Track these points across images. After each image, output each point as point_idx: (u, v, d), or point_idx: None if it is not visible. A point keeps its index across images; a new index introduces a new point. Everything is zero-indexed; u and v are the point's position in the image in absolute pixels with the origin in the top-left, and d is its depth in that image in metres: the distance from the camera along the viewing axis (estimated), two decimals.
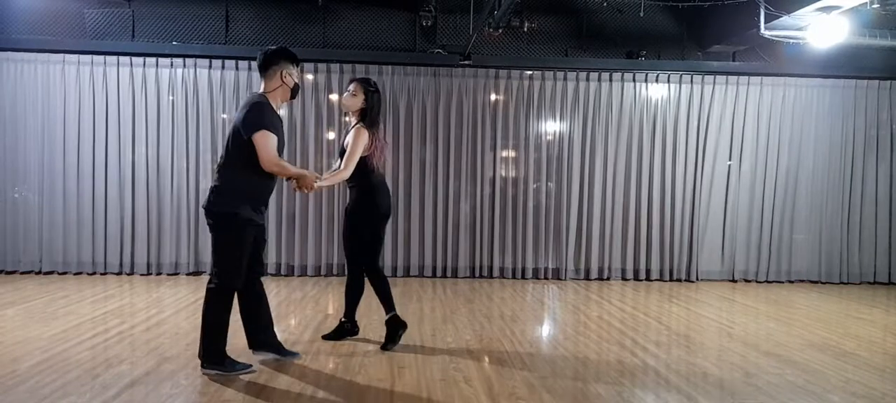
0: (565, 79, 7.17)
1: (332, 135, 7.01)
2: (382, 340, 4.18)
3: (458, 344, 4.27)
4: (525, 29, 5.76)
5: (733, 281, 7.32)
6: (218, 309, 3.49)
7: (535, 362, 3.91)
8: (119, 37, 6.71)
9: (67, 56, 6.71)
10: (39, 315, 4.87)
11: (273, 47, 3.60)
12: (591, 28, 7.22)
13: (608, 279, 7.22)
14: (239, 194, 3.44)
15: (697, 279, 7.27)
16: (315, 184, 3.67)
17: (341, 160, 4.03)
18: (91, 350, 3.96)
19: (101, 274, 6.79)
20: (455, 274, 7.10)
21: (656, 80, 7.26)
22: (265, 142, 3.38)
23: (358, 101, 4.01)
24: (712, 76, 7.25)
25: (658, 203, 7.27)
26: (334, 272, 7.00)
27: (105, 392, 3.20)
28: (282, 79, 3.56)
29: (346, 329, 4.34)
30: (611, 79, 7.21)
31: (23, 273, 6.72)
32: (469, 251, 7.13)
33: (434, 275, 7.08)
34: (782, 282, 7.34)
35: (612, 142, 7.21)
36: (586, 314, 5.43)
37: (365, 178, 4.04)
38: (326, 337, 4.32)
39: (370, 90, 4.03)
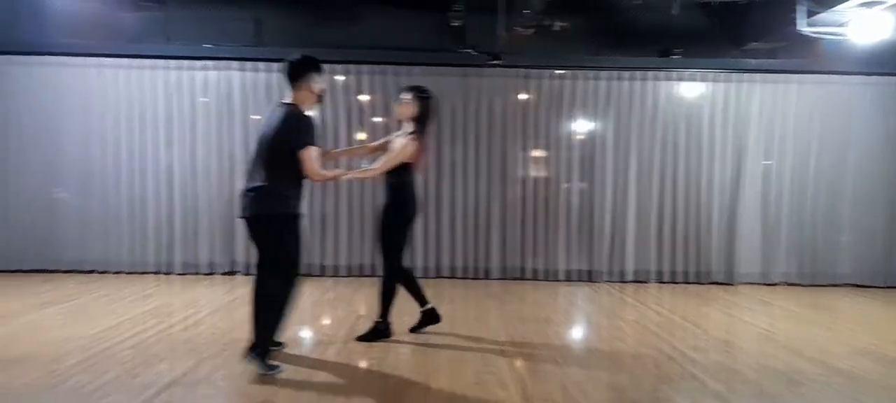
0: (596, 78, 7.07)
1: (361, 136, 7.02)
2: (416, 341, 4.17)
3: (492, 347, 4.23)
4: (556, 28, 5.69)
5: (773, 284, 7.13)
6: (282, 303, 3.62)
7: (570, 365, 3.86)
8: (153, 40, 6.83)
9: (104, 60, 6.84)
10: (80, 314, 4.98)
11: (298, 57, 3.71)
12: (622, 26, 7.10)
13: (644, 281, 7.10)
14: (291, 195, 3.62)
15: (736, 282, 7.11)
16: (344, 177, 4.03)
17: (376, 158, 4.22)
18: (131, 349, 4.02)
19: (140, 273, 6.91)
20: (487, 276, 7.06)
21: (691, 79, 7.12)
22: (312, 157, 3.55)
23: (411, 109, 4.18)
24: (749, 74, 7.08)
25: (694, 204, 7.12)
26: (365, 273, 7.01)
27: (145, 392, 3.25)
28: (310, 88, 3.68)
29: (381, 330, 4.34)
30: (644, 78, 7.09)
31: (64, 272, 6.87)
32: (500, 252, 7.08)
33: (465, 277, 7.05)
34: (825, 286, 7.13)
35: (646, 141, 7.09)
36: (621, 317, 5.34)
37: (401, 180, 4.16)
38: (361, 339, 4.32)
39: (423, 97, 4.22)
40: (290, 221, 3.61)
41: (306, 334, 4.56)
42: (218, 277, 6.83)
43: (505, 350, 4.15)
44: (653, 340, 4.53)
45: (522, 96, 7.06)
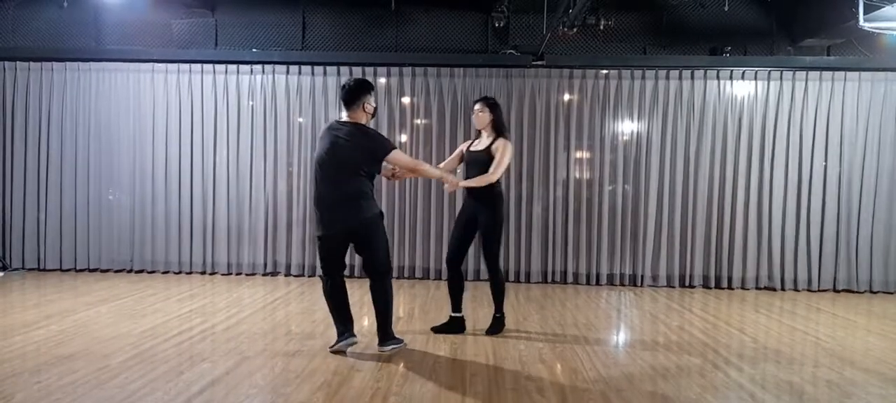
0: (643, 77, 6.91)
1: (404, 138, 7.04)
2: (457, 347, 4.14)
3: (531, 353, 4.17)
4: (601, 27, 5.57)
5: (825, 290, 6.83)
6: (390, 292, 4.10)
7: (612, 373, 3.76)
8: (203, 45, 7.00)
9: (156, 65, 7.06)
10: (130, 312, 5.14)
11: (353, 82, 4.05)
12: (671, 24, 6.93)
13: (689, 286, 6.90)
14: (374, 198, 4.02)
15: (786, 288, 6.84)
16: (460, 184, 4.44)
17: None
18: (176, 347, 4.12)
19: (187, 273, 7.11)
20: (528, 279, 6.98)
21: (742, 77, 6.88)
22: (401, 153, 4.19)
23: (487, 117, 4.52)
24: (805, 72, 6.80)
25: (742, 206, 6.88)
26: (417, 275, 7.04)
27: (188, 390, 3.32)
28: (364, 108, 4.03)
29: (501, 321, 4.72)
30: (693, 77, 6.89)
31: (115, 271, 7.12)
32: (541, 255, 6.99)
33: (506, 280, 6.96)
34: (880, 293, 6.79)
35: (693, 142, 6.89)
36: (666, 323, 5.20)
37: (499, 186, 4.51)
38: (489, 332, 4.66)
39: (494, 104, 4.58)
40: (381, 221, 4.05)
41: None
42: (259, 278, 6.96)
43: (544, 357, 4.08)
44: (698, 347, 4.38)
45: (566, 96, 6.95)
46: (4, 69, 7.08)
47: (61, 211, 7.12)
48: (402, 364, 3.85)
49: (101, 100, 7.11)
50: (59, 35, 7.05)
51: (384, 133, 6.95)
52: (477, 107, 4.59)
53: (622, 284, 6.95)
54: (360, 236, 3.99)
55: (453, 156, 4.84)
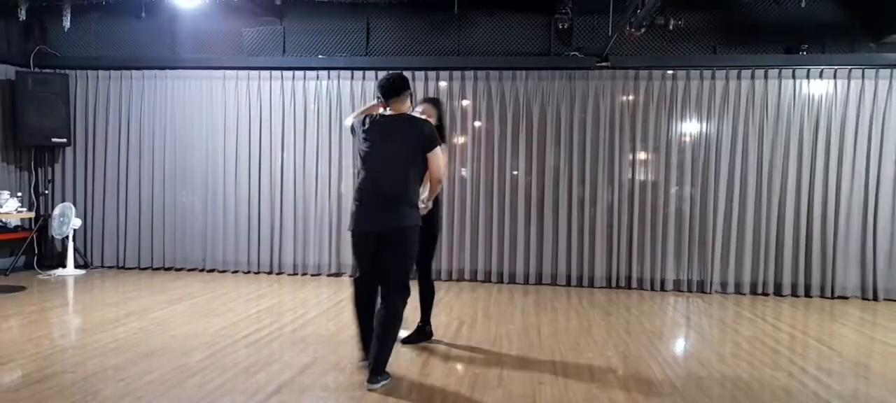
0: (713, 78, 6.67)
1: (461, 140, 7.05)
2: (520, 353, 4.09)
3: (600, 361, 4.08)
4: (671, 26, 5.41)
5: None
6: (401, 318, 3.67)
7: (687, 386, 3.64)
8: (272, 52, 7.20)
9: (227, 72, 7.29)
10: (204, 311, 5.32)
11: (398, 74, 3.74)
12: (743, 22, 6.67)
13: (761, 294, 6.62)
14: (417, 205, 3.70)
15: (867, 297, 6.47)
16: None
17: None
18: (248, 348, 4.24)
19: (255, 273, 7.31)
20: (591, 284, 6.86)
21: (820, 76, 6.55)
22: (442, 156, 3.71)
23: (433, 118, 4.11)
24: (889, 70, 6.42)
25: (820, 210, 6.56)
26: (465, 277, 7.02)
27: (263, 391, 3.40)
28: (409, 102, 3.79)
29: (426, 332, 4.47)
30: (766, 77, 6.61)
31: (189, 270, 7.40)
32: (605, 260, 6.85)
33: (568, 284, 6.88)
34: None
35: (766, 144, 6.61)
36: (738, 332, 5.00)
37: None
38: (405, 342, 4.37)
39: (438, 104, 4.38)
40: (418, 232, 3.67)
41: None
42: (324, 278, 7.08)
43: (613, 367, 3.99)
44: (777, 361, 4.19)
45: (631, 98, 6.79)
46: (87, 78, 7.46)
47: (139, 213, 7.45)
48: (467, 375, 3.84)
49: (176, 107, 7.40)
50: (138, 45, 7.38)
51: (445, 135, 7.01)
52: (421, 107, 4.27)
53: (689, 290, 6.74)
54: (393, 243, 3.58)
55: None
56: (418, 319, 4.47)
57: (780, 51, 6.60)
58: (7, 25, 7.16)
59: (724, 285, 6.70)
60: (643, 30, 5.55)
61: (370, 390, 3.44)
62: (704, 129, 6.72)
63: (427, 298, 4.45)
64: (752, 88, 6.63)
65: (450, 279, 7.04)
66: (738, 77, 6.64)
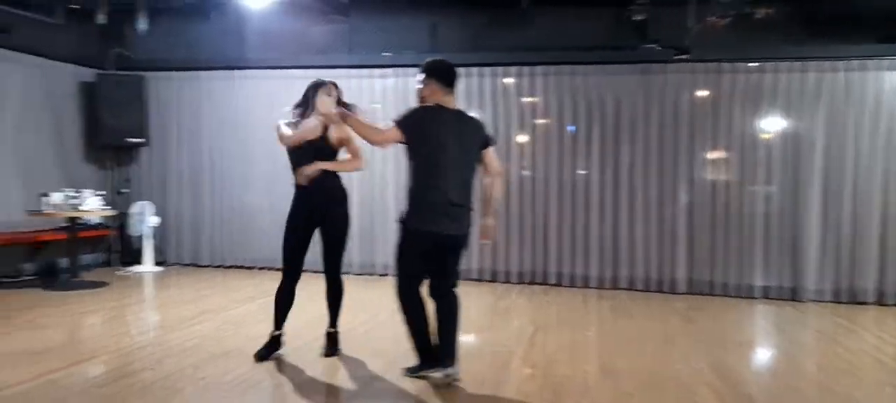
0: (803, 70, 6.23)
1: (522, 139, 6.85)
2: (602, 364, 3.88)
3: (690, 373, 3.82)
4: (759, 15, 5.05)
5: None
6: None
7: None
8: (338, 51, 7.18)
9: (293, 71, 7.31)
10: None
11: (448, 62, 3.59)
12: (834, 10, 6.18)
13: (860, 303, 6.11)
14: None
15: None
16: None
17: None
18: (320, 349, 4.17)
19: (322, 272, 7.27)
20: (672, 289, 6.50)
21: None
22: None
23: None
24: None
25: None
26: (536, 280, 6.82)
27: (339, 395, 3.32)
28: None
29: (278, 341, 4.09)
30: (862, 69, 6.12)
31: (260, 268, 7.48)
32: (686, 263, 6.50)
33: (646, 289, 6.57)
34: None
35: (864, 141, 6.11)
36: (843, 345, 4.61)
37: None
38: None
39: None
40: None
41: (485, 346, 4.45)
42: (391, 279, 6.98)
43: (707, 380, 3.71)
44: (892, 378, 3.82)
45: (714, 93, 6.41)
46: (161, 79, 7.63)
47: (212, 211, 7.58)
48: (547, 388, 3.65)
49: (245, 106, 7.48)
50: (208, 46, 7.49)
51: (512, 134, 6.84)
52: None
53: (780, 298, 6.30)
54: (460, 249, 3.58)
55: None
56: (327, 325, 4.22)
57: (874, 41, 6.11)
58: (88, 30, 7.40)
59: (819, 292, 6.23)
60: (728, 19, 5.20)
61: (450, 378, 3.40)
62: (794, 125, 6.28)
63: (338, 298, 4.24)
64: (846, 81, 6.15)
65: (521, 282, 6.84)
66: (832, 70, 6.17)
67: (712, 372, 3.83)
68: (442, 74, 3.53)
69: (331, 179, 3.96)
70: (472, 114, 3.73)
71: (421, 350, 3.55)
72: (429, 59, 3.60)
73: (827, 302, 6.16)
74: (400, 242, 3.54)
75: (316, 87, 3.94)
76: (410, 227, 3.45)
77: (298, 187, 4.00)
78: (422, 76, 3.56)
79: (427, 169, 3.41)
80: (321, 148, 3.86)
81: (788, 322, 5.40)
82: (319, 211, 4.03)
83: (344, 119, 3.63)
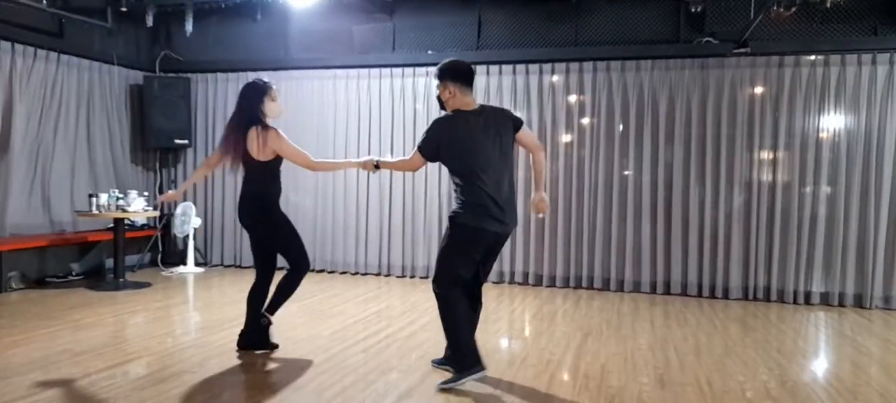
0: (874, 63, 5.83)
1: (568, 138, 6.61)
2: (655, 377, 3.64)
3: (754, 385, 3.55)
4: (828, 4, 4.72)
5: None
6: None
7: None
8: (381, 50, 7.09)
9: (337, 71, 7.27)
10: (317, 312, 5.24)
11: (461, 60, 3.59)
12: None
13: None
14: None
15: None
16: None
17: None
18: (363, 353, 4.07)
19: (362, 274, 7.23)
20: (725, 295, 6.18)
21: None
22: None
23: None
24: None
25: None
26: (582, 284, 6.57)
27: (381, 401, 3.19)
28: None
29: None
30: None
31: None
32: (741, 268, 6.16)
33: (699, 295, 6.26)
34: None
35: None
36: None
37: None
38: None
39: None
40: None
41: (531, 354, 4.25)
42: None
43: (773, 394, 3.44)
44: None
45: (774, 88, 6.07)
46: (207, 81, 7.69)
47: None
48: (601, 387, 3.44)
49: (289, 107, 7.41)
50: (253, 47, 7.51)
51: (560, 132, 6.61)
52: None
53: (842, 305, 5.92)
54: (502, 245, 3.63)
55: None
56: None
57: None
58: (136, 32, 7.51)
59: (887, 299, 5.83)
60: (794, 9, 4.88)
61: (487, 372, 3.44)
62: (863, 122, 5.88)
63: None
64: None
65: (566, 286, 6.62)
66: None
67: (778, 385, 3.56)
68: (459, 75, 3.51)
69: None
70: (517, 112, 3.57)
71: (465, 351, 3.42)
72: (442, 63, 3.58)
73: (895, 310, 5.75)
74: (450, 239, 3.47)
75: (260, 92, 4.10)
76: (462, 223, 3.40)
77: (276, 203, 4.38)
78: (439, 80, 3.55)
79: (464, 176, 3.40)
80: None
81: (854, 330, 5.03)
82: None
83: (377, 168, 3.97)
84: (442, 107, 3.60)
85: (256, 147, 3.89)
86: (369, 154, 7.19)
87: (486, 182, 3.37)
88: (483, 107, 3.56)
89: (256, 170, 3.99)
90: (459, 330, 3.43)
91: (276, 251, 4.16)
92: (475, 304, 3.60)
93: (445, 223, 6.81)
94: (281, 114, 4.12)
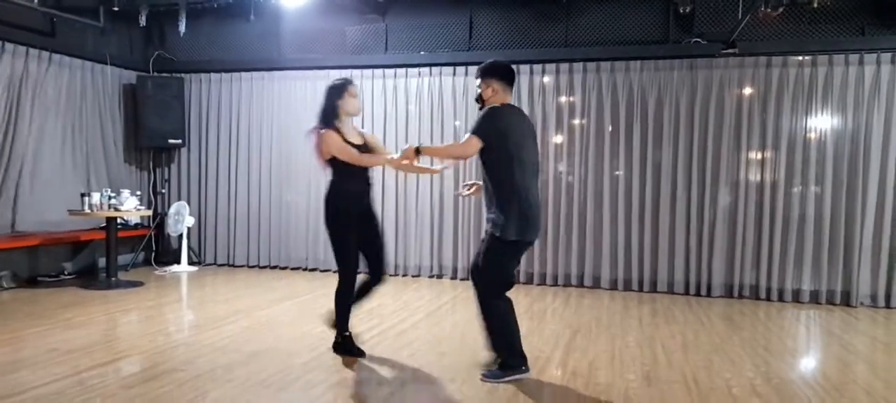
0: (861, 63, 5.88)
1: (559, 139, 6.65)
2: (644, 372, 3.67)
3: (741, 383, 3.59)
4: (815, 5, 4.76)
5: None
6: None
7: None
8: (374, 50, 7.11)
9: (330, 71, 7.26)
10: (308, 310, 5.26)
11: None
12: None
13: None
14: None
15: None
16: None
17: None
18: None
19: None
20: (708, 293, 6.23)
21: None
22: None
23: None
24: None
25: None
26: (572, 283, 6.60)
27: (369, 398, 3.21)
28: None
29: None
30: None
31: (293, 269, 7.46)
32: (728, 267, 6.21)
33: (686, 293, 6.30)
34: None
35: None
36: None
37: None
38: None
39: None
40: None
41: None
42: (425, 280, 6.90)
43: (759, 391, 3.48)
44: None
45: (761, 88, 6.11)
46: (200, 81, 7.70)
47: (248, 212, 7.59)
48: (589, 384, 3.47)
49: (282, 107, 7.48)
50: (246, 47, 7.53)
51: (550, 132, 6.65)
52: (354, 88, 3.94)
53: (831, 302, 5.97)
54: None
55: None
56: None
57: None
58: (129, 32, 7.52)
59: (873, 297, 5.89)
60: (781, 9, 4.92)
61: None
62: (849, 122, 5.93)
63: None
64: None
65: (556, 284, 6.65)
66: (892, 61, 5.82)
67: (765, 383, 3.60)
68: (504, 74, 3.54)
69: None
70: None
71: (517, 353, 3.50)
72: (486, 62, 3.59)
73: (881, 307, 5.81)
74: (495, 252, 3.44)
75: (338, 90, 3.93)
76: (510, 240, 3.38)
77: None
78: (481, 79, 3.55)
79: (514, 172, 3.37)
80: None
81: (840, 328, 5.08)
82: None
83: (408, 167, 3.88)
84: (481, 106, 3.57)
85: (317, 148, 3.88)
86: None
87: (531, 184, 3.43)
88: (522, 111, 3.66)
89: (329, 170, 3.93)
90: (513, 335, 3.50)
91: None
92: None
93: (438, 221, 6.91)
94: (359, 111, 3.96)
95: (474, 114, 6.84)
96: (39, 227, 6.40)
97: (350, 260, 3.85)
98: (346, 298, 3.89)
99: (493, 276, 3.48)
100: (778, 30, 6.00)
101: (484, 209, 3.57)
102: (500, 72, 3.51)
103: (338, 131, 3.86)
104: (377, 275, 3.99)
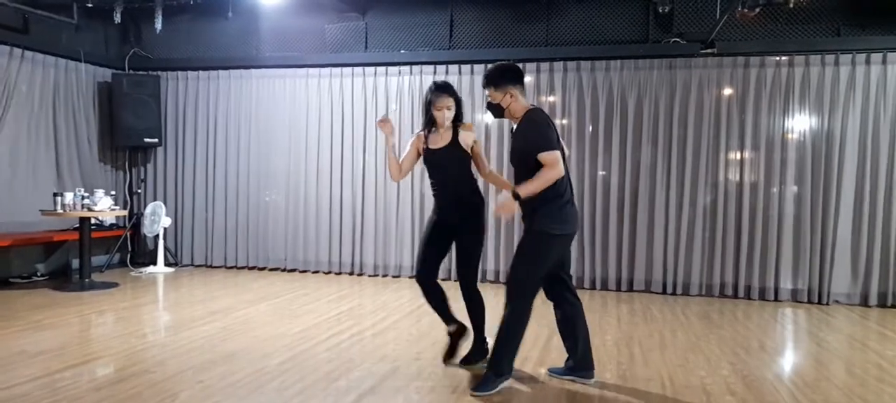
0: (837, 63, 5.94)
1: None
2: (620, 373, 3.67)
3: (715, 381, 3.60)
4: (791, 5, 4.80)
5: None
6: None
7: None
8: (354, 49, 7.06)
9: (309, 70, 7.23)
10: (285, 311, 5.20)
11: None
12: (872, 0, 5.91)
13: (892, 306, 5.81)
14: None
15: None
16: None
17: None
18: (328, 352, 4.04)
19: (336, 273, 7.20)
20: (686, 292, 6.26)
21: None
22: None
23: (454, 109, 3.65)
24: None
25: None
26: (605, 286, 6.59)
27: (343, 399, 3.17)
28: None
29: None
30: None
31: (271, 269, 7.39)
32: (705, 266, 6.24)
33: (664, 291, 6.33)
34: None
35: None
36: (877, 352, 4.34)
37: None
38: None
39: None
40: None
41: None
42: (405, 280, 6.86)
43: (733, 388, 3.49)
44: None
45: (740, 88, 6.16)
46: (177, 79, 7.60)
47: (226, 212, 7.51)
48: (562, 384, 3.46)
49: (260, 106, 7.40)
50: (224, 45, 7.45)
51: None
52: (445, 99, 3.58)
53: (808, 301, 6.02)
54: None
55: (410, 153, 3.81)
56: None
57: None
58: (105, 29, 7.40)
59: (849, 295, 5.95)
60: (758, 9, 4.95)
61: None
62: (826, 122, 5.99)
63: (482, 309, 3.91)
64: (883, 74, 5.86)
65: (593, 287, 6.57)
66: (867, 62, 5.89)
67: (739, 381, 3.61)
68: (518, 76, 3.38)
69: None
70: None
71: (511, 359, 3.44)
72: (491, 68, 3.39)
73: (855, 305, 5.88)
74: (538, 249, 3.32)
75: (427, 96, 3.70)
76: (558, 235, 3.29)
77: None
78: (494, 88, 3.34)
79: (565, 167, 3.32)
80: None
81: (816, 326, 5.12)
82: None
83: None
84: (496, 115, 3.44)
85: None
86: (342, 154, 7.17)
87: (569, 182, 3.39)
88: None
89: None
90: (519, 341, 3.41)
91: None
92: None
93: (419, 221, 6.86)
94: (444, 121, 3.62)
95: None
96: (11, 228, 6.27)
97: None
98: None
99: (539, 274, 3.35)
100: (755, 30, 6.05)
101: (518, 213, 3.41)
102: (515, 76, 3.35)
103: (419, 136, 3.75)
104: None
